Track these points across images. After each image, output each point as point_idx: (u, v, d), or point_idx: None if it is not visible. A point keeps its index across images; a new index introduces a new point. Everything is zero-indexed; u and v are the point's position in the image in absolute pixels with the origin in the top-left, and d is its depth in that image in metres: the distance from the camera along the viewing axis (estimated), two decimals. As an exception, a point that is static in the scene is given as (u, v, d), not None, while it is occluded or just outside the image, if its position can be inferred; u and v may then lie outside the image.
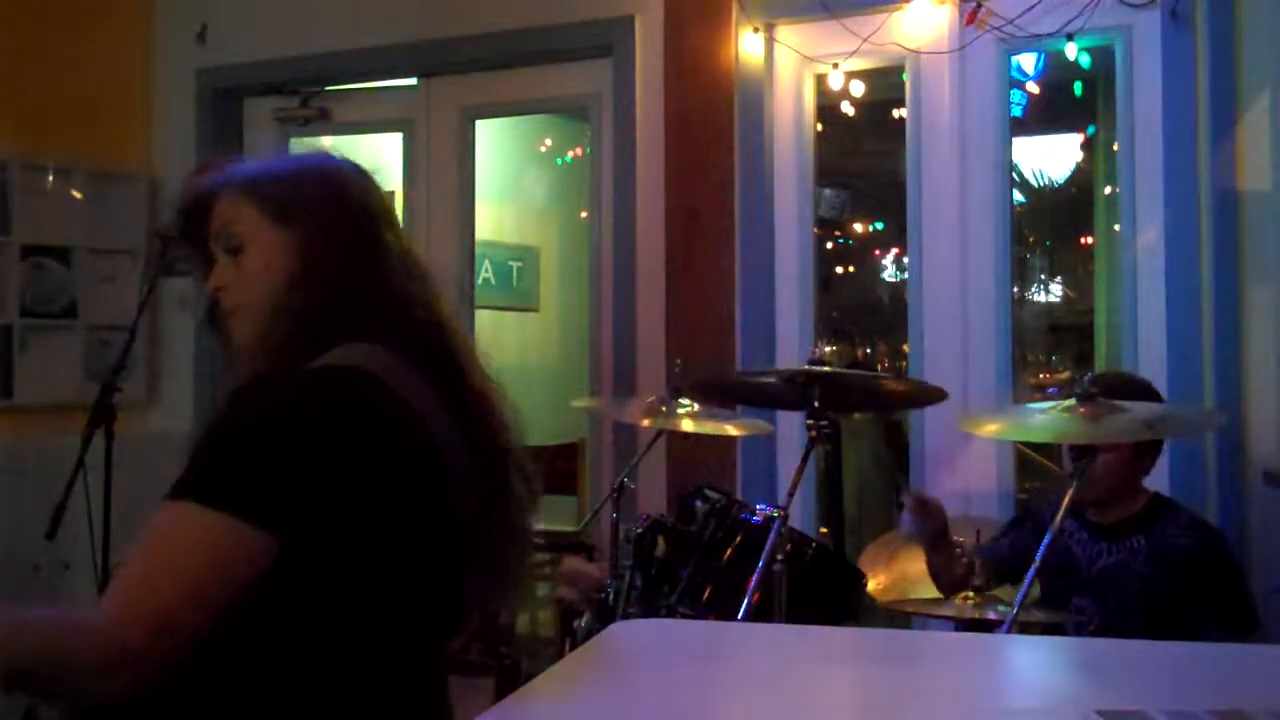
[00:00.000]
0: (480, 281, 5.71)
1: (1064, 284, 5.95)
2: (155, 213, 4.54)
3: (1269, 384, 3.08)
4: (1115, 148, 3.51)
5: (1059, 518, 2.19)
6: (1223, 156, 3.13)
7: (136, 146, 4.61)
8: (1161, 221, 3.24)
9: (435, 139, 4.32)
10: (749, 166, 3.69)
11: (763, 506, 2.53)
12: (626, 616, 2.50)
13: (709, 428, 3.02)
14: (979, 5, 3.39)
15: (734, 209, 3.68)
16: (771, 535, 2.25)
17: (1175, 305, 3.20)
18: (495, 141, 5.53)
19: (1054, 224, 5.93)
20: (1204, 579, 2.55)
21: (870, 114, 4.37)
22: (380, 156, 4.36)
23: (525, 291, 6.26)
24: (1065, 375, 5.29)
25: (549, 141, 6.23)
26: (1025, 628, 2.35)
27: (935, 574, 2.76)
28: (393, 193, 4.17)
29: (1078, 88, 4.59)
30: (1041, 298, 5.96)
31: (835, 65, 3.62)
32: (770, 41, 3.69)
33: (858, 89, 3.70)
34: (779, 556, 2.25)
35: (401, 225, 1.58)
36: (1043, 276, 5.96)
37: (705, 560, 2.52)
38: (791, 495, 2.34)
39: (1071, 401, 2.29)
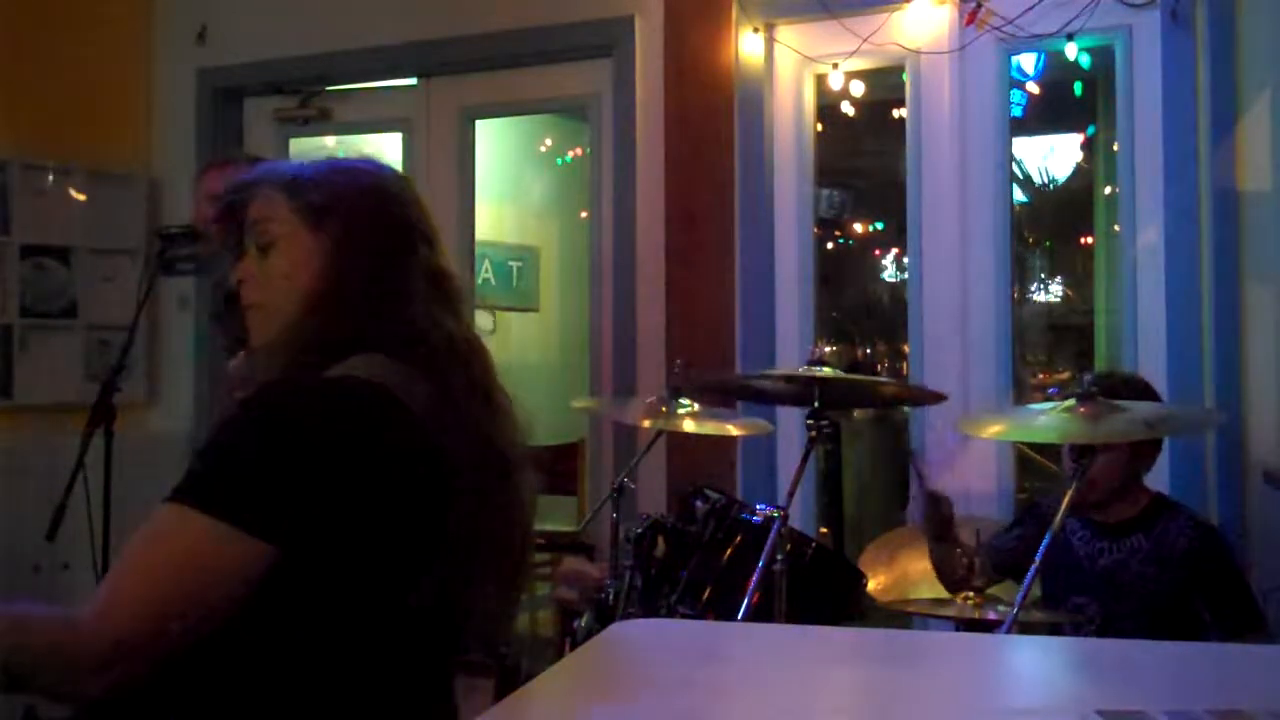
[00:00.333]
0: (480, 281, 5.71)
1: (1064, 284, 5.95)
2: (155, 213, 4.54)
3: (1269, 384, 3.08)
4: (1115, 148, 3.51)
5: (1058, 518, 2.19)
6: (1223, 156, 3.13)
7: (136, 146, 4.62)
8: (1161, 221, 3.24)
9: (435, 139, 4.32)
10: (749, 166, 3.69)
11: (763, 506, 2.53)
12: (626, 616, 2.50)
13: (709, 428, 3.02)
14: (979, 5, 3.39)
15: (734, 209, 3.68)
16: (771, 535, 2.25)
17: (1175, 305, 3.20)
18: (495, 141, 5.53)
19: (1054, 224, 5.93)
20: (1205, 580, 2.55)
21: (870, 114, 4.37)
22: (380, 157, 4.35)
23: (525, 291, 6.26)
24: (1065, 375, 5.29)
25: (549, 141, 6.23)
26: (1026, 628, 2.35)
27: (938, 567, 2.76)
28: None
29: (1078, 88, 4.59)
30: (1041, 298, 5.96)
31: (835, 65, 3.62)
32: (770, 41, 3.69)
33: (858, 89, 3.70)
34: (779, 556, 2.25)
35: (435, 236, 1.57)
36: (1043, 276, 5.96)
37: (705, 560, 2.52)
38: (791, 495, 2.34)
39: (1071, 401, 2.29)
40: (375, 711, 1.39)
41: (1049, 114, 4.85)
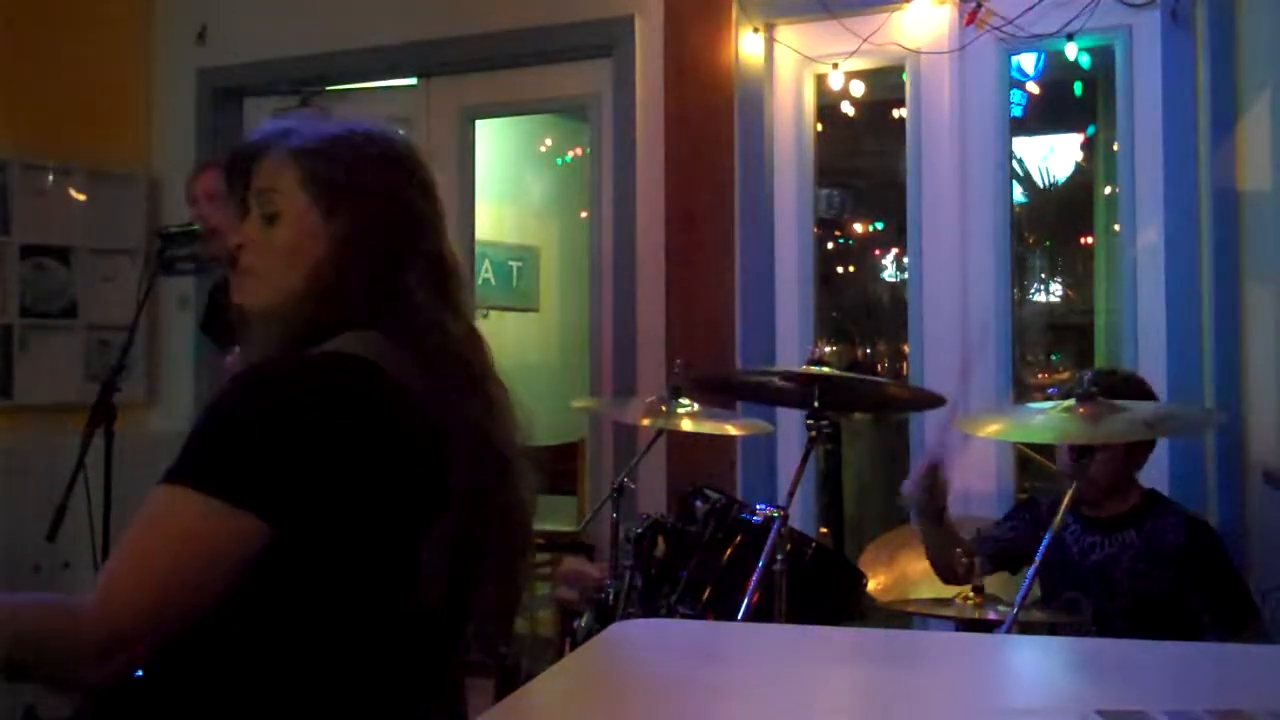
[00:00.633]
0: (480, 281, 5.71)
1: (1064, 284, 5.94)
2: (155, 213, 4.54)
3: (1269, 384, 3.08)
4: (1115, 148, 3.51)
5: (1059, 518, 2.20)
6: (1223, 156, 3.13)
7: (136, 146, 4.62)
8: (1161, 221, 3.24)
9: (435, 139, 4.31)
10: (749, 166, 3.69)
11: (763, 506, 2.53)
12: (626, 616, 2.50)
13: (709, 428, 3.02)
14: (979, 5, 3.39)
15: (734, 209, 3.68)
16: (771, 535, 2.25)
17: (1175, 305, 3.20)
18: (495, 141, 5.53)
19: (1054, 224, 5.93)
20: (1197, 574, 2.55)
21: (870, 114, 4.36)
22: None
23: (525, 291, 6.26)
24: (1065, 375, 5.29)
25: (549, 141, 6.23)
26: (1026, 627, 2.35)
27: (930, 555, 2.71)
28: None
29: (1078, 88, 4.59)
30: (1041, 298, 5.96)
31: (835, 65, 3.62)
32: (770, 41, 3.69)
33: (858, 89, 3.70)
34: (779, 556, 2.25)
35: (442, 223, 1.54)
36: (1043, 276, 5.95)
37: (705, 560, 2.52)
38: (791, 495, 2.34)
39: (1071, 401, 2.30)
40: (371, 701, 1.39)
41: (1049, 114, 4.85)
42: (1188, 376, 3.15)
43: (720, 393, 3.14)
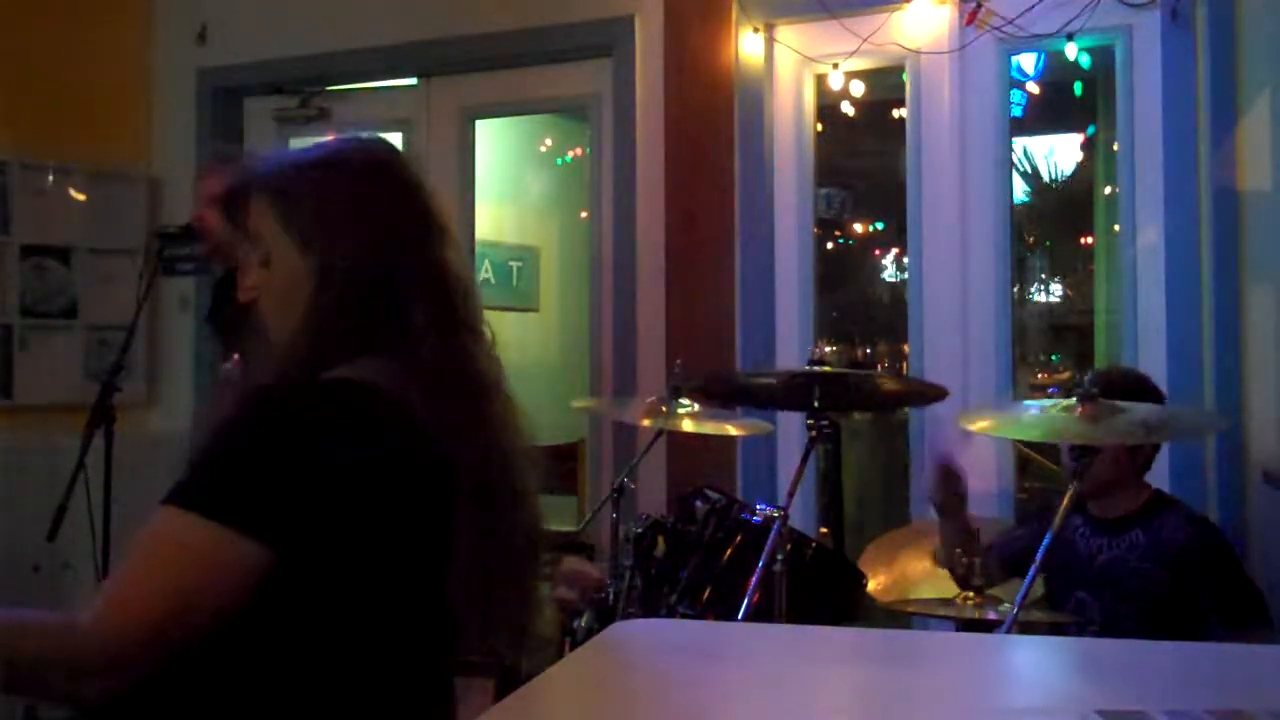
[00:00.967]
0: (480, 282, 5.70)
1: (1064, 284, 5.94)
2: (155, 213, 4.54)
3: (1269, 384, 3.08)
4: (1115, 148, 3.51)
5: (1058, 520, 2.20)
6: (1223, 156, 3.13)
7: (136, 146, 4.61)
8: (1161, 221, 3.24)
9: (435, 139, 4.32)
10: (749, 167, 3.69)
11: (763, 506, 2.53)
12: (626, 616, 2.50)
13: (709, 428, 3.02)
14: (979, 5, 3.39)
15: (734, 209, 3.68)
16: (771, 535, 2.25)
17: (1175, 305, 3.20)
18: (495, 141, 5.52)
19: (1054, 224, 5.93)
20: (1204, 574, 2.55)
21: (870, 114, 4.36)
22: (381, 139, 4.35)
23: (525, 291, 6.25)
24: (1065, 375, 5.29)
25: (549, 141, 6.22)
26: (1028, 627, 2.35)
27: (944, 544, 2.78)
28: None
29: (1078, 88, 4.59)
30: (1041, 298, 5.96)
31: (835, 65, 3.62)
32: (770, 41, 3.69)
33: (858, 89, 3.70)
34: (779, 556, 2.25)
35: (440, 230, 1.51)
36: (1043, 276, 5.95)
37: (705, 560, 2.52)
38: (791, 495, 2.34)
39: (1071, 401, 2.30)
40: (374, 713, 1.39)
41: (1049, 114, 4.85)
42: (1188, 377, 3.14)
43: (720, 394, 3.14)
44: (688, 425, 2.93)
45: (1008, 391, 3.46)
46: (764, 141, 3.70)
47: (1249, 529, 3.05)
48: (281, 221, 1.47)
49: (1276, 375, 3.07)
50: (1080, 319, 5.31)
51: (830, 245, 5.81)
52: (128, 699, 1.28)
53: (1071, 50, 3.34)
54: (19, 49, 4.24)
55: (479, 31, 4.09)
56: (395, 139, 4.40)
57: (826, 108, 3.81)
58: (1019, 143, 5.12)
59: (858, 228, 6.00)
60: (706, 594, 2.48)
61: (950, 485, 2.72)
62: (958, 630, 2.58)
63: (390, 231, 1.48)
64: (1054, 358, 5.69)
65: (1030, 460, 3.98)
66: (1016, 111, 3.96)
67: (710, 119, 3.70)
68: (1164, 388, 2.97)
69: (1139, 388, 2.61)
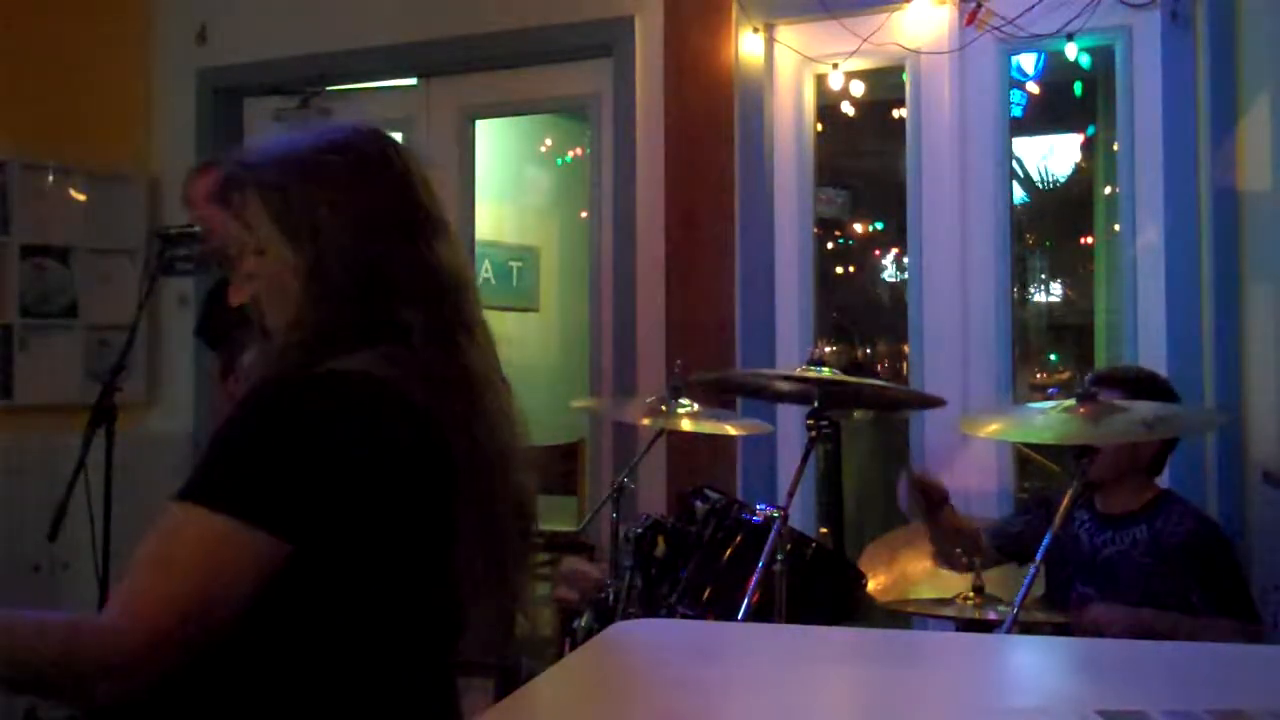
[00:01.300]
0: (480, 281, 5.69)
1: (1064, 284, 5.94)
2: (155, 213, 4.54)
3: (1269, 384, 3.08)
4: (1115, 148, 3.51)
5: (1058, 520, 2.20)
6: (1223, 156, 3.13)
7: (136, 146, 4.61)
8: (1161, 221, 3.24)
9: (435, 139, 4.31)
10: (749, 167, 3.69)
11: (763, 506, 2.54)
12: (626, 616, 2.51)
13: (709, 428, 3.02)
14: (979, 5, 3.39)
15: (734, 209, 3.68)
16: (771, 535, 2.25)
17: (1175, 305, 3.20)
18: (495, 141, 5.53)
19: (1054, 224, 5.93)
20: (1200, 570, 2.55)
21: (870, 114, 4.36)
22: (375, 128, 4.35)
23: (525, 291, 6.25)
24: (1065, 375, 5.29)
25: (549, 141, 6.22)
26: (1030, 628, 2.35)
27: (935, 548, 2.82)
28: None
29: (1078, 88, 4.59)
30: (1041, 298, 5.96)
31: (835, 65, 3.62)
32: (770, 41, 3.69)
33: (858, 89, 3.70)
34: (779, 556, 2.25)
35: (435, 222, 1.50)
36: (1043, 276, 5.95)
37: (705, 560, 2.52)
38: (791, 495, 2.34)
39: (1071, 401, 2.30)
40: (377, 706, 1.39)
41: (1049, 114, 4.85)
42: (1188, 376, 3.14)
43: (720, 394, 3.14)
44: (688, 425, 2.93)
45: (1008, 392, 3.46)
46: (764, 142, 3.70)
47: (1249, 528, 3.05)
48: (272, 212, 1.46)
49: (1276, 375, 3.07)
50: (1080, 319, 5.32)
51: (830, 245, 5.81)
52: (137, 697, 1.28)
53: (1071, 50, 3.34)
54: (19, 49, 4.24)
55: (479, 31, 4.09)
56: (395, 139, 4.40)
57: (826, 108, 3.81)
58: (1019, 143, 5.11)
59: (858, 228, 6.01)
60: (706, 594, 2.48)
61: (920, 496, 2.75)
62: (958, 630, 2.58)
63: (381, 222, 1.46)
64: (1054, 358, 5.69)
65: (1030, 460, 3.98)
66: (1016, 111, 3.96)
67: (710, 119, 3.70)
68: (1165, 388, 2.98)
69: (1151, 385, 2.62)
